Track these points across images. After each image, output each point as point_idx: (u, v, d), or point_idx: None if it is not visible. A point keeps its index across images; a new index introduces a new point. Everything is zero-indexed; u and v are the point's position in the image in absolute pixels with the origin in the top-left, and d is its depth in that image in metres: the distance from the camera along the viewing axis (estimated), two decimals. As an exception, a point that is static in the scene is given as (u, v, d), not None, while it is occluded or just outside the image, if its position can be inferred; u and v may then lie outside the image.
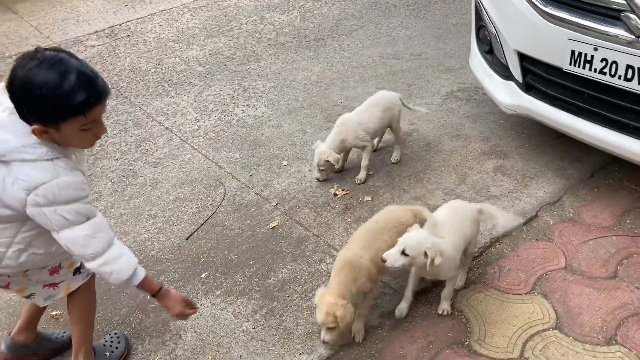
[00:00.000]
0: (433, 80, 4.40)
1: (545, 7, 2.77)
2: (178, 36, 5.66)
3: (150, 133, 4.10)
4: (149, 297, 2.08)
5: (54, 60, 1.71)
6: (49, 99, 1.70)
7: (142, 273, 2.00)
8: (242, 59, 5.07)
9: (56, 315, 2.68)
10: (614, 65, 2.55)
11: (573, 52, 2.69)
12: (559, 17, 2.71)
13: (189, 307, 2.17)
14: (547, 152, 3.44)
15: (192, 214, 3.27)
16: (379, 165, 3.51)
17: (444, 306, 2.51)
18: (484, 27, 3.34)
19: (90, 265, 1.94)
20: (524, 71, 3.07)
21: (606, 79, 2.60)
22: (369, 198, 3.23)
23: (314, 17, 5.75)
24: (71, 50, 2.06)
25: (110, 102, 4.55)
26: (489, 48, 3.37)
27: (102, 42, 5.69)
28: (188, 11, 6.25)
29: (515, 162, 3.40)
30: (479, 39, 3.51)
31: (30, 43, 5.76)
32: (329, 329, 2.29)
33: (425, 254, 2.23)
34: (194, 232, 3.13)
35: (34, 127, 1.76)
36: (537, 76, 3.01)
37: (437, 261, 2.22)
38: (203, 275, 2.84)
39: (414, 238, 2.27)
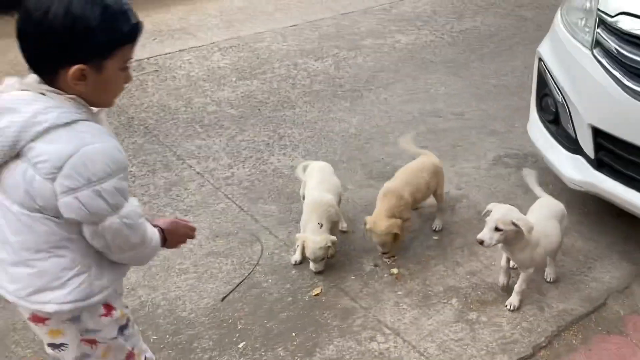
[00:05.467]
0: (478, 142, 4.22)
1: (629, 83, 2.61)
2: (208, 75, 5.50)
3: (181, 177, 3.88)
4: None
5: None
6: (105, 22, 1.44)
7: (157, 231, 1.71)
8: (276, 104, 4.89)
9: None
10: None
11: (658, 132, 2.51)
12: (644, 94, 2.54)
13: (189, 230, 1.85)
14: (608, 232, 3.23)
15: (227, 272, 3.02)
16: (428, 233, 3.29)
17: (513, 300, 2.68)
18: (549, 95, 3.18)
19: (127, 255, 1.61)
20: (597, 147, 2.88)
21: (696, 164, 2.41)
22: (420, 267, 3.00)
23: (349, 66, 5.62)
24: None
25: (137, 140, 4.35)
26: (554, 118, 3.19)
27: (130, 75, 5.52)
28: (218, 50, 6.11)
29: (574, 240, 3.18)
30: (540, 107, 3.33)
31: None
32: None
33: (514, 224, 2.43)
34: (230, 293, 2.87)
35: (75, 68, 1.44)
36: (613, 154, 2.82)
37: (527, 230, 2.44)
38: (241, 345, 2.57)
39: (500, 210, 2.50)
